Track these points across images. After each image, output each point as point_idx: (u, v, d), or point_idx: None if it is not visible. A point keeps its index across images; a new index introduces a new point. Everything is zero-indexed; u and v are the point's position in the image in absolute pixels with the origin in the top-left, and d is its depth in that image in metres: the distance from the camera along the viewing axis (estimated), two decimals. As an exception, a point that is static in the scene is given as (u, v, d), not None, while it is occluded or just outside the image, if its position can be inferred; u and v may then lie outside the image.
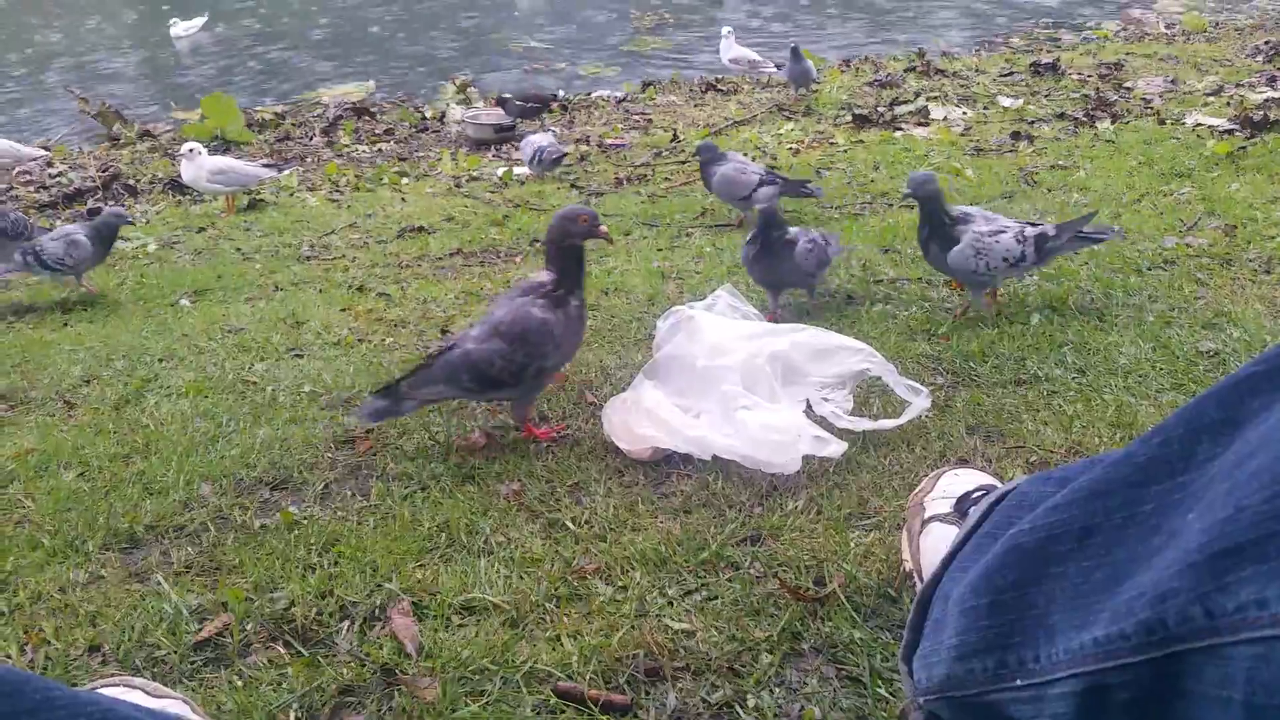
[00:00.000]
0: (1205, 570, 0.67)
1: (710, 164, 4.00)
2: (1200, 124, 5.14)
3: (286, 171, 6.08)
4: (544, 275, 2.04)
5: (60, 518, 1.85)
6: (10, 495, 1.98)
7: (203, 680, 1.40)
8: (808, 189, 3.95)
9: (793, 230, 2.74)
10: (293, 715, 1.32)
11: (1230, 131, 4.86)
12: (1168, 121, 5.37)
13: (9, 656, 1.46)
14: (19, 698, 0.86)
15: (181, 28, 13.21)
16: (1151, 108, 5.87)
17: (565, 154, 5.67)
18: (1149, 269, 2.90)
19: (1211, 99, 5.98)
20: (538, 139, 5.68)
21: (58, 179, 6.67)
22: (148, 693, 1.27)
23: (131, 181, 6.57)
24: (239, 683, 1.38)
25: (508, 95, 7.38)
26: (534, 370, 2.00)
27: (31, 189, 6.49)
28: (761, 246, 2.71)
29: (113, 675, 1.34)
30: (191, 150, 5.35)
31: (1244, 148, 4.41)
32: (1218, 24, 10.01)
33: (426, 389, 2.01)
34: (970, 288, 2.67)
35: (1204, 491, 0.74)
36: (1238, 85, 6.38)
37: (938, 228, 2.59)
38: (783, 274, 2.73)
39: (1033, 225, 2.59)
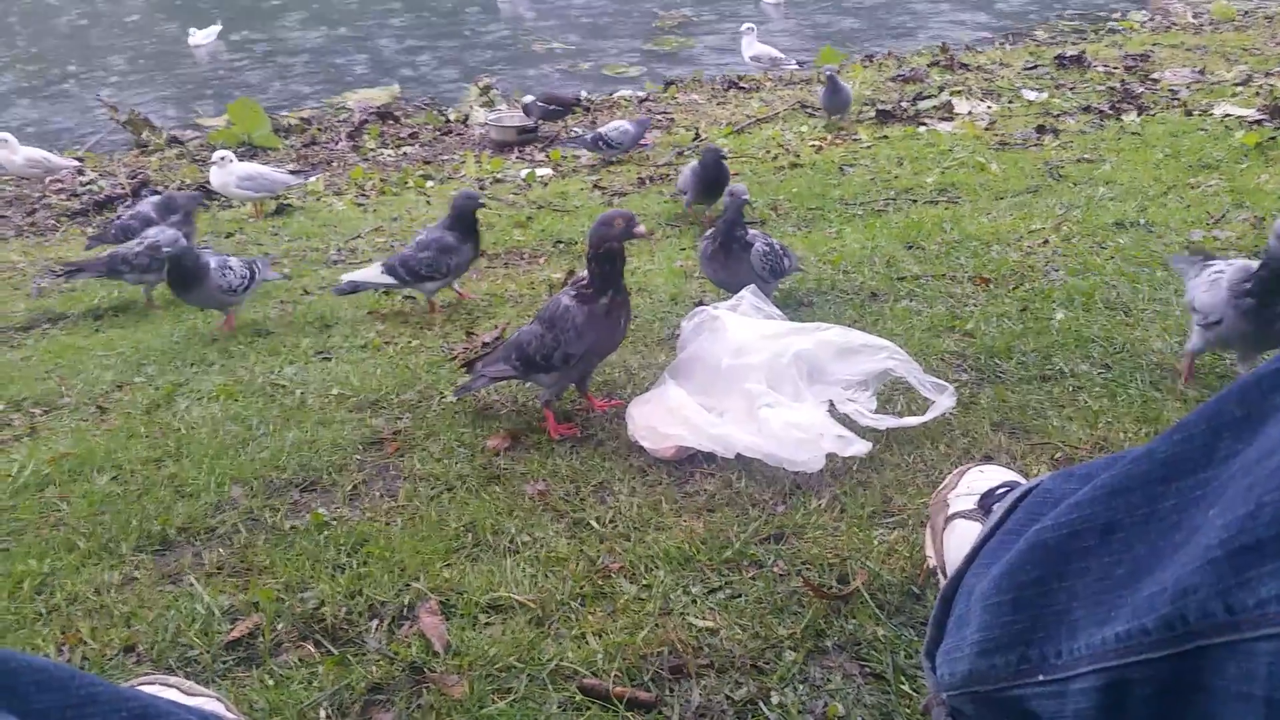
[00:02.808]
0: (1226, 566, 0.67)
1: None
2: (1228, 114, 5.08)
3: (313, 178, 6.14)
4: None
5: (95, 521, 1.89)
6: (46, 499, 2.02)
7: (235, 679, 1.42)
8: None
9: (751, 232, 2.70)
10: (323, 713, 1.34)
11: (1259, 122, 4.80)
12: (1195, 113, 5.31)
13: (48, 656, 1.49)
14: (66, 692, 0.92)
15: (200, 36, 13.37)
16: (1179, 99, 5.80)
17: (612, 141, 5.89)
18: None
19: (1240, 89, 5.90)
20: (616, 124, 5.96)
21: (88, 186, 6.77)
22: (182, 691, 1.29)
23: (160, 188, 6.65)
24: (270, 681, 1.40)
25: (530, 98, 7.41)
26: (560, 355, 2.08)
27: (63, 197, 6.59)
28: (720, 243, 2.68)
29: (148, 674, 1.37)
30: (222, 157, 5.41)
31: (1273, 138, 4.35)
32: (1247, 12, 9.86)
33: (492, 366, 2.21)
34: None
35: (1225, 488, 0.74)
36: (1267, 74, 6.30)
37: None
38: (738, 274, 2.67)
39: None
